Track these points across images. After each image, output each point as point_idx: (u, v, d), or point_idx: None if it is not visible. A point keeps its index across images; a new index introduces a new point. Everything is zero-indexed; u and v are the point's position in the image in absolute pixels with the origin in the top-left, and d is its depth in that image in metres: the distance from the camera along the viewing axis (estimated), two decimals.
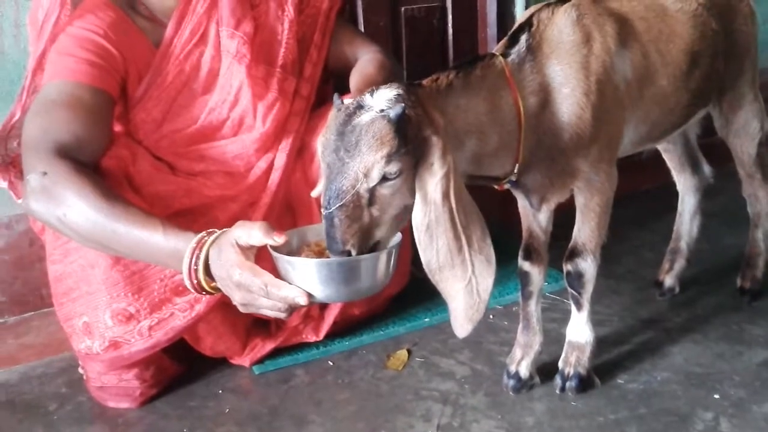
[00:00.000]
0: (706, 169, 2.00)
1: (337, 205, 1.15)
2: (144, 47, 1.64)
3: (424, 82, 1.28)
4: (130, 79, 1.63)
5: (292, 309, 1.26)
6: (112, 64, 1.58)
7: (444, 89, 1.27)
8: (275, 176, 1.71)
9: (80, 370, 1.71)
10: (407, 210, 1.22)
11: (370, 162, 1.14)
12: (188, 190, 1.63)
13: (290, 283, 1.23)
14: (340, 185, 1.15)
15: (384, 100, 1.17)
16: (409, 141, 1.16)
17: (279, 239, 1.24)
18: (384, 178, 1.16)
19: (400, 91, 1.19)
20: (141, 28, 1.65)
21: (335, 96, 1.23)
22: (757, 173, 1.87)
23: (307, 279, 1.22)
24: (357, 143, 1.14)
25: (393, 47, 2.42)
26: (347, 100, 1.23)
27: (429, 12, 2.48)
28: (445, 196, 1.18)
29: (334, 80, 1.95)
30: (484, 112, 1.31)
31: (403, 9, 2.45)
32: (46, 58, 1.60)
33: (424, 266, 1.23)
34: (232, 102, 1.69)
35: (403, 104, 1.15)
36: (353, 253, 1.19)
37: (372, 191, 1.16)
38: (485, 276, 1.23)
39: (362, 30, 2.37)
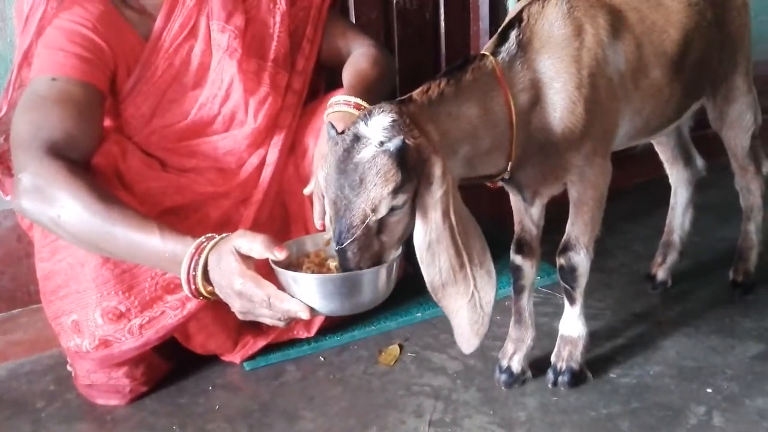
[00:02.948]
0: (699, 162, 1.99)
1: (349, 241, 1.18)
2: (133, 40, 1.62)
3: (415, 94, 1.26)
4: (119, 73, 1.61)
5: (292, 320, 1.27)
6: (101, 58, 1.56)
7: (436, 99, 1.26)
8: (267, 172, 1.70)
9: (68, 368, 1.69)
10: (411, 226, 1.23)
11: (377, 199, 1.15)
12: (179, 187, 1.61)
13: (292, 296, 1.24)
14: (349, 222, 1.17)
15: (380, 129, 1.16)
16: (411, 169, 1.16)
17: (280, 254, 1.25)
18: (391, 209, 1.17)
19: (395, 116, 1.17)
20: (130, 20, 1.63)
21: (328, 125, 1.22)
22: (750, 165, 1.87)
23: (309, 294, 1.24)
24: (362, 181, 1.15)
25: (385, 40, 2.40)
26: (350, 120, 1.24)
27: (421, 5, 2.47)
28: (445, 214, 1.19)
29: (327, 74, 1.93)
30: (475, 116, 1.29)
31: (395, 2, 2.43)
32: (33, 51, 1.58)
33: (428, 284, 1.24)
34: (223, 97, 1.67)
35: (401, 136, 1.15)
36: None
37: (380, 222, 1.19)
38: (487, 290, 1.25)
39: (354, 23, 2.35)
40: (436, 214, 1.18)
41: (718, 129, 1.84)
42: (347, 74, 1.69)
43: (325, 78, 1.95)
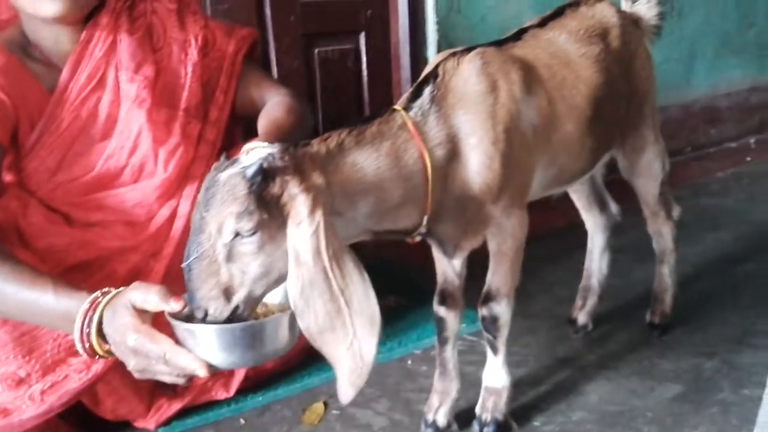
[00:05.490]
0: (613, 207, 2.04)
1: (192, 258, 1.13)
2: (37, 93, 1.56)
3: (314, 141, 1.25)
4: (22, 126, 1.54)
5: (191, 378, 1.20)
6: (1, 111, 1.48)
7: (334, 148, 1.24)
8: (179, 224, 1.63)
9: None
10: (281, 276, 1.17)
11: (222, 217, 1.12)
12: (84, 243, 1.53)
13: (190, 350, 1.16)
14: (197, 239, 1.13)
15: (255, 158, 1.15)
16: (271, 200, 1.13)
17: (176, 305, 1.17)
18: (239, 235, 1.12)
19: (274, 151, 1.17)
20: (34, 72, 1.57)
21: (222, 157, 1.20)
22: (660, 211, 1.93)
23: (208, 347, 1.15)
24: (213, 198, 1.13)
25: (307, 89, 2.40)
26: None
27: (343, 54, 2.49)
28: (317, 256, 1.13)
29: (244, 124, 1.90)
30: (385, 168, 1.28)
31: (316, 51, 2.44)
32: None
33: (304, 332, 1.16)
34: (131, 148, 1.62)
35: (261, 162, 1.13)
36: (210, 311, 1.15)
37: (229, 248, 1.13)
38: (368, 338, 1.16)
39: (275, 72, 2.34)
40: (306, 255, 1.12)
41: (628, 177, 1.89)
42: (262, 122, 1.66)
43: (243, 129, 1.92)
